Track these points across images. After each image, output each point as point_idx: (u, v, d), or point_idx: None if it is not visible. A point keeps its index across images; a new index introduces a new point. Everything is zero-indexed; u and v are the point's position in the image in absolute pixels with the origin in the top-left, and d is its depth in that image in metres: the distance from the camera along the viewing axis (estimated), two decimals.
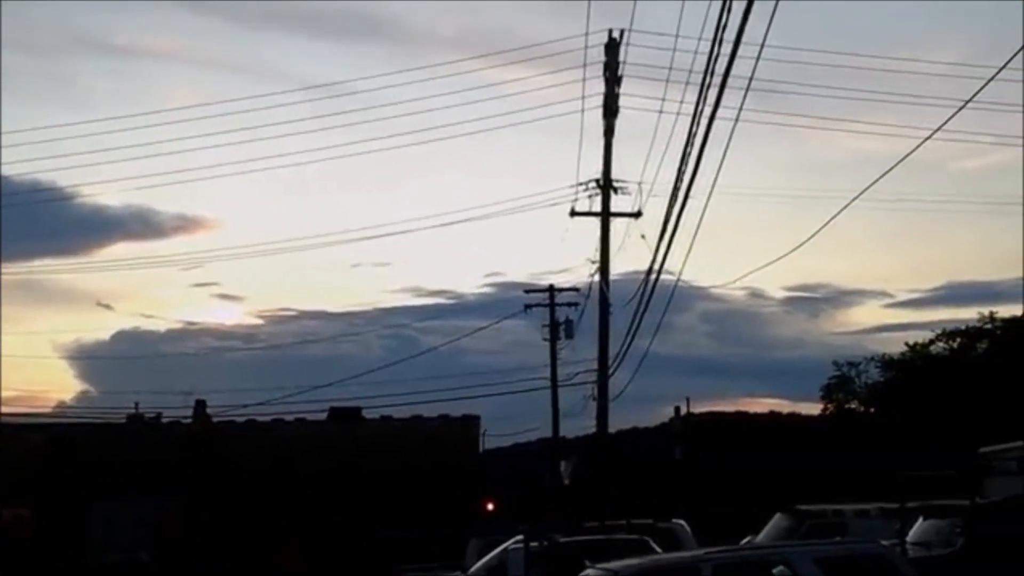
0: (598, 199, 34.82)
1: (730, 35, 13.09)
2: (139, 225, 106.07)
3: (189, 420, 47.06)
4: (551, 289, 46.94)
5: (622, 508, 31.61)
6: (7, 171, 54.29)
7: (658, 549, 20.47)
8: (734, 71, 13.66)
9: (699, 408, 63.09)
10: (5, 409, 52.21)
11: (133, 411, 49.70)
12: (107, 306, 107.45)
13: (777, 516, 25.16)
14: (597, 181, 34.76)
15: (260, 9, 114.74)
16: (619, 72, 33.59)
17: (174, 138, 46.95)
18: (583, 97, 33.88)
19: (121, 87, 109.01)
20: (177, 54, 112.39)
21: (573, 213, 35.06)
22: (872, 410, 64.00)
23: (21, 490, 40.80)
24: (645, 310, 25.59)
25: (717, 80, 14.21)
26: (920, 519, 20.52)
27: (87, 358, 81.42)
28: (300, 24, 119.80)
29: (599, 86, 33.88)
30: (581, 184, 34.92)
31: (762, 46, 13.32)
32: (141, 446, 46.12)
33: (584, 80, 33.64)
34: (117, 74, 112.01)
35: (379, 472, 45.62)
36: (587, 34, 32.81)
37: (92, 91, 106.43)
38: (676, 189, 18.59)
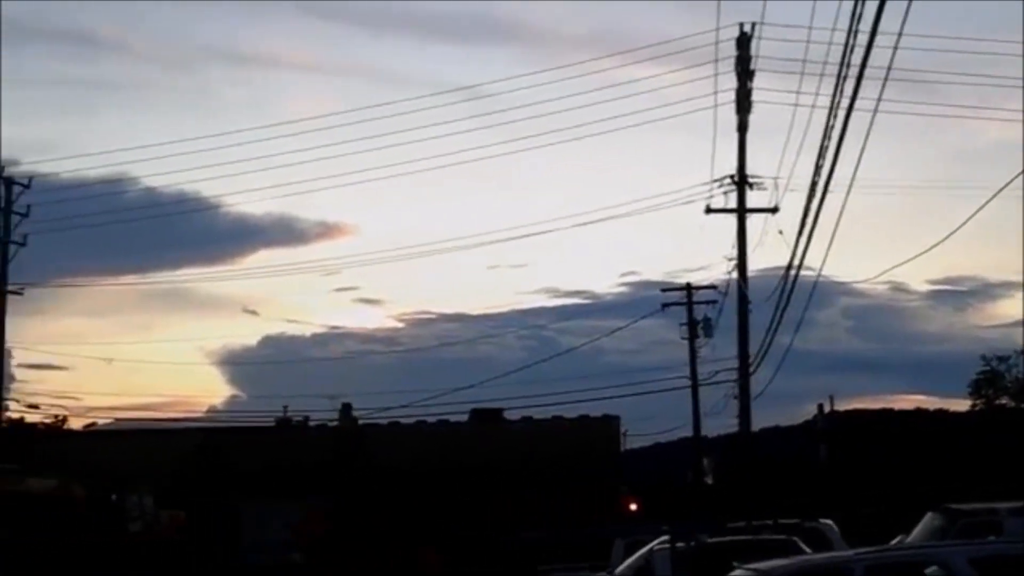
0: (733, 195, 34.62)
1: (865, 25, 12.90)
2: (281, 232, 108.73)
3: (335, 423, 47.90)
4: (688, 287, 46.61)
5: (766, 507, 31.31)
6: (153, 183, 56.00)
7: (807, 549, 20.22)
8: (871, 62, 13.45)
9: (843, 405, 62.11)
10: (160, 414, 53.89)
11: (281, 415, 50.82)
12: (253, 312, 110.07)
13: (928, 515, 24.63)
14: (732, 177, 34.54)
15: (391, 15, 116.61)
16: (751, 66, 33.37)
17: (312, 146, 47.94)
18: (716, 93, 33.73)
19: (259, 98, 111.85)
20: (311, 63, 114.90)
21: (708, 210, 34.87)
22: (1023, 405, 62.25)
23: (176, 493, 41.95)
24: (786, 307, 25.30)
25: (854, 72, 14.02)
26: None
27: (235, 363, 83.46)
28: (431, 28, 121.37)
29: (731, 81, 33.70)
30: (716, 181, 34.77)
31: (899, 35, 13.08)
32: (289, 449, 47.12)
33: (716, 76, 33.48)
34: (255, 84, 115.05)
35: (521, 472, 45.87)
36: (718, 29, 32.67)
37: (231, 102, 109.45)
38: (814, 184, 18.38)
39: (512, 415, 48.68)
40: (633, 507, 47.55)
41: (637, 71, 41.07)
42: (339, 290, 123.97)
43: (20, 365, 53.99)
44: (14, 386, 47.27)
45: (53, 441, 52.10)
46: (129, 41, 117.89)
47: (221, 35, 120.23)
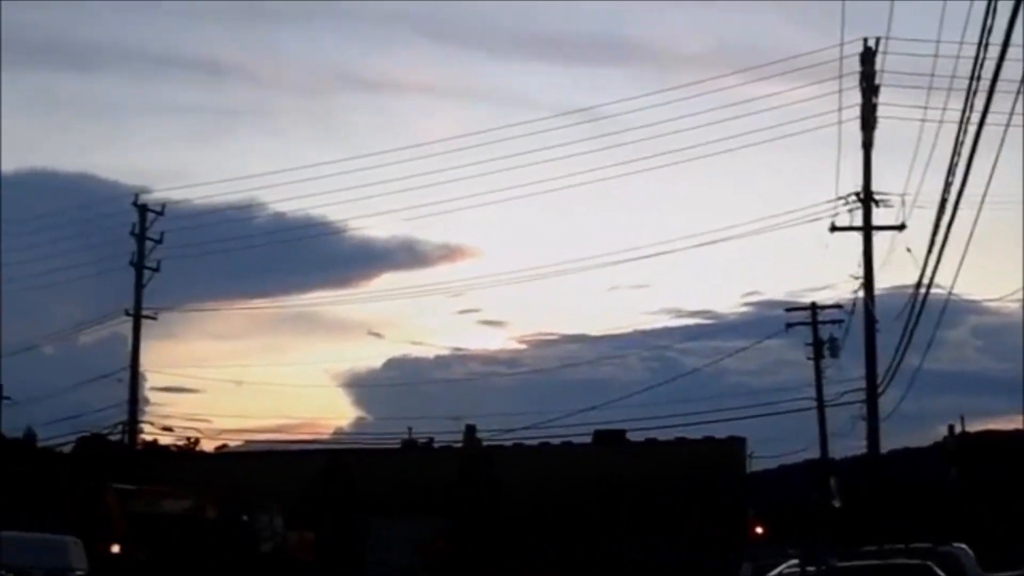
0: (859, 213, 34.16)
1: (996, 37, 12.67)
2: (405, 255, 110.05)
3: (460, 444, 48.17)
4: (813, 307, 46.13)
5: (895, 531, 30.74)
6: (281, 208, 57.23)
7: (941, 574, 19.82)
8: (1003, 74, 13.17)
9: (974, 427, 60.66)
10: (289, 436, 54.80)
11: (407, 436, 51.28)
12: (377, 335, 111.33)
13: None
14: (857, 194, 34.09)
15: (512, 38, 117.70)
16: (876, 81, 32.92)
17: (434, 170, 48.47)
18: (840, 109, 33.34)
19: (382, 122, 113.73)
20: (434, 86, 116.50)
21: (833, 228, 34.49)
22: None
23: (304, 513, 42.59)
24: (915, 326, 24.87)
25: (984, 84, 13.77)
26: None
27: (361, 385, 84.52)
28: (551, 50, 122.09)
29: (855, 97, 33.27)
30: (840, 198, 34.37)
31: None
32: (415, 470, 47.56)
33: (840, 91, 33.09)
34: (380, 109, 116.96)
35: (644, 495, 45.61)
36: (842, 44, 32.28)
37: (355, 127, 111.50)
38: (944, 200, 18.07)
39: (635, 436, 48.47)
40: (759, 530, 46.97)
41: (758, 89, 40.94)
42: (462, 312, 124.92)
43: (154, 388, 55.50)
44: (148, 408, 48.65)
45: (185, 462, 53.38)
46: (258, 69, 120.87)
47: (347, 61, 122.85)
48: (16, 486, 43.43)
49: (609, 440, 48.16)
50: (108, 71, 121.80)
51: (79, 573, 25.13)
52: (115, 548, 33.58)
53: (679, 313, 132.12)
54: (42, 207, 59.02)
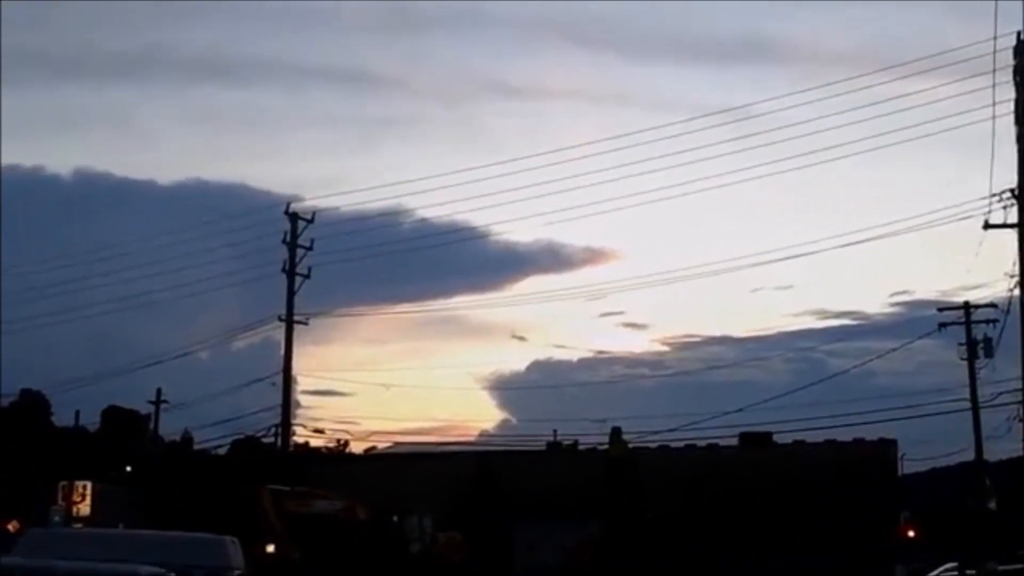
0: (1014, 210, 33.36)
1: None
2: (548, 259, 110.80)
3: (605, 447, 48.23)
4: (966, 306, 45.19)
5: None
6: (427, 214, 58.10)
7: None
8: None
9: None
10: (436, 438, 55.56)
11: (552, 438, 51.52)
12: (521, 338, 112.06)
13: None
14: (1012, 191, 33.31)
15: (652, 41, 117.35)
16: None
17: (578, 173, 48.81)
18: (993, 104, 32.66)
19: (526, 127, 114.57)
20: (576, 91, 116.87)
21: (987, 226, 33.81)
22: None
23: (452, 514, 43.10)
24: None
25: None
26: None
27: (505, 388, 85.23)
28: (693, 52, 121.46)
29: (1009, 92, 32.51)
30: (995, 195, 33.63)
31: None
32: (560, 472, 47.75)
33: (994, 86, 32.39)
34: (523, 115, 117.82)
35: (792, 498, 45.08)
36: (996, 38, 31.58)
37: (500, 132, 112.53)
38: None
39: (782, 439, 47.94)
40: (911, 533, 46.01)
41: (907, 86, 40.19)
42: (605, 315, 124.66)
43: (305, 392, 56.66)
44: (300, 412, 49.81)
45: (335, 464, 54.45)
46: (405, 78, 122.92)
47: (492, 68, 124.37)
48: (174, 487, 44.96)
49: (756, 442, 47.71)
50: (261, 84, 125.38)
51: (237, 572, 25.80)
52: (270, 548, 34.48)
53: (824, 314, 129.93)
54: (198, 217, 61.14)
